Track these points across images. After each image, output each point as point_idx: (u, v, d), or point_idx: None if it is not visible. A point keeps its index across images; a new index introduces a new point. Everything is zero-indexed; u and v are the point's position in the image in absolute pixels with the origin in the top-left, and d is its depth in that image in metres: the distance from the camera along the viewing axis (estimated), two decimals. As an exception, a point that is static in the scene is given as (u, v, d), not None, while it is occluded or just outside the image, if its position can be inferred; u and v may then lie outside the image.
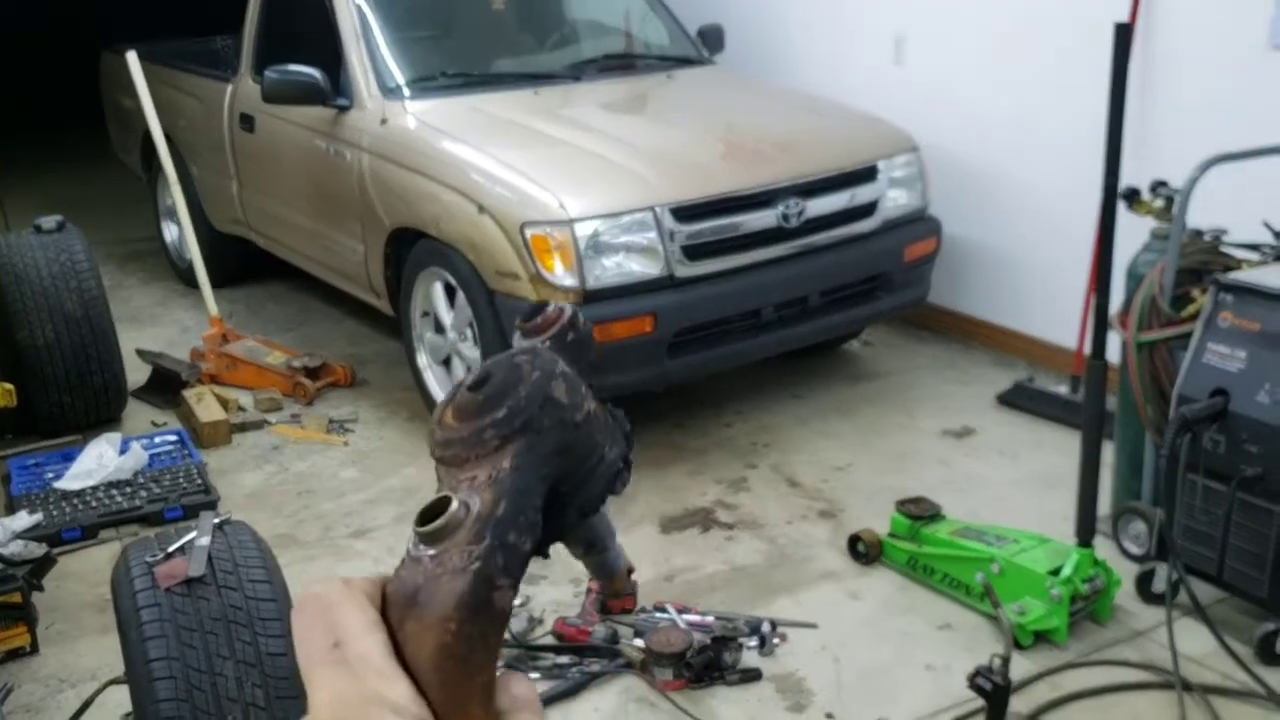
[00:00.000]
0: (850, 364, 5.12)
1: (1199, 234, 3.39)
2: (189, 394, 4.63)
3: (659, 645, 2.97)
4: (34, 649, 3.17)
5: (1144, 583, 3.29)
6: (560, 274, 3.80)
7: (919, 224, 4.62)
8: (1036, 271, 4.90)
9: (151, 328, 5.69)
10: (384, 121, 4.50)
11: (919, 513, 3.48)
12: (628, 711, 2.90)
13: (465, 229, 4.02)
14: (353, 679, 0.52)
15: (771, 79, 5.65)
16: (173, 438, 4.34)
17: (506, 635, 0.63)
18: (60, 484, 3.94)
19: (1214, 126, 3.97)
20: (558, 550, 0.66)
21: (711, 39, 5.43)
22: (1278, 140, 3.34)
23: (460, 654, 0.54)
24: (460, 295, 4.15)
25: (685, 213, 3.96)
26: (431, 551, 0.56)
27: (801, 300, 4.29)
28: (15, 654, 3.14)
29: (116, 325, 4.46)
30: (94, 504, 3.85)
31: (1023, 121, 4.82)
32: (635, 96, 5.07)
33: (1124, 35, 2.95)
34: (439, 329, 4.37)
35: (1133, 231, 3.45)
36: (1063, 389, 4.53)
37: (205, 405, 4.53)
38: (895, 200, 4.52)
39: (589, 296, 3.82)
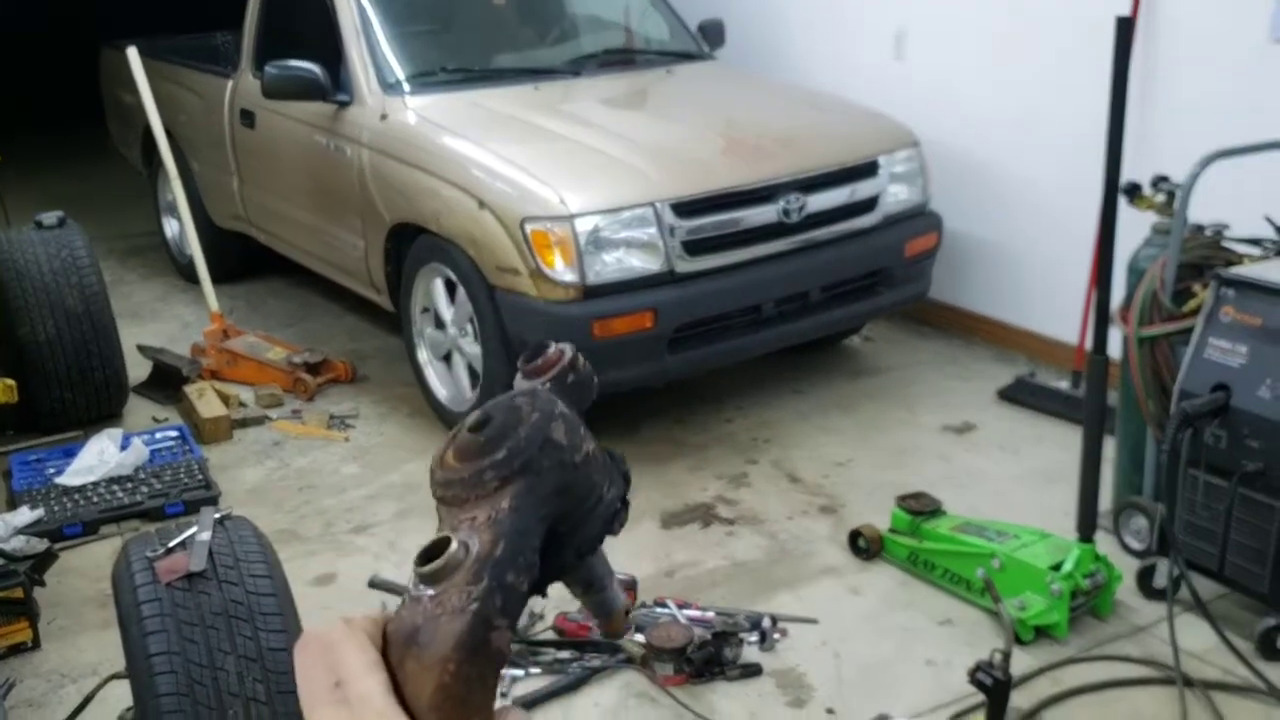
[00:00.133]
0: (851, 359, 5.12)
1: (1200, 229, 3.39)
2: (190, 390, 4.64)
3: (660, 640, 2.97)
4: (35, 644, 3.17)
5: (1145, 578, 3.29)
6: (560, 269, 3.80)
7: (920, 219, 4.62)
8: (1037, 267, 4.90)
9: (152, 323, 5.70)
10: (384, 117, 4.50)
11: (920, 508, 3.48)
12: (628, 707, 2.90)
13: (465, 224, 4.02)
14: (353, 719, 0.53)
15: (772, 74, 5.65)
16: (174, 433, 4.34)
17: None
18: (61, 480, 3.94)
19: (1215, 122, 3.96)
20: None
21: (712, 34, 5.43)
22: (1279, 135, 3.33)
23: (458, 695, 0.55)
24: (461, 291, 4.15)
25: (685, 208, 3.96)
26: (431, 591, 0.57)
27: (802, 295, 4.29)
28: (17, 649, 3.15)
29: (117, 321, 4.47)
30: (95, 499, 3.85)
31: (1024, 117, 4.81)
32: (635, 92, 5.06)
33: (1126, 28, 2.95)
34: (439, 324, 4.37)
35: (1134, 226, 3.45)
36: (1064, 384, 4.53)
37: (206, 401, 4.54)
38: (896, 195, 4.51)
39: (589, 292, 3.82)
